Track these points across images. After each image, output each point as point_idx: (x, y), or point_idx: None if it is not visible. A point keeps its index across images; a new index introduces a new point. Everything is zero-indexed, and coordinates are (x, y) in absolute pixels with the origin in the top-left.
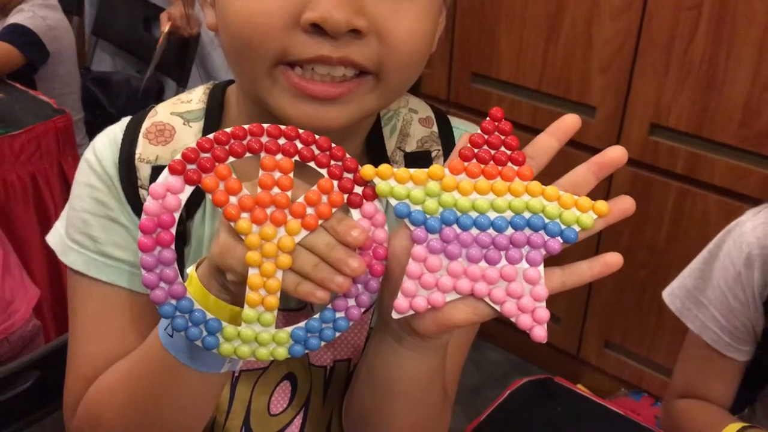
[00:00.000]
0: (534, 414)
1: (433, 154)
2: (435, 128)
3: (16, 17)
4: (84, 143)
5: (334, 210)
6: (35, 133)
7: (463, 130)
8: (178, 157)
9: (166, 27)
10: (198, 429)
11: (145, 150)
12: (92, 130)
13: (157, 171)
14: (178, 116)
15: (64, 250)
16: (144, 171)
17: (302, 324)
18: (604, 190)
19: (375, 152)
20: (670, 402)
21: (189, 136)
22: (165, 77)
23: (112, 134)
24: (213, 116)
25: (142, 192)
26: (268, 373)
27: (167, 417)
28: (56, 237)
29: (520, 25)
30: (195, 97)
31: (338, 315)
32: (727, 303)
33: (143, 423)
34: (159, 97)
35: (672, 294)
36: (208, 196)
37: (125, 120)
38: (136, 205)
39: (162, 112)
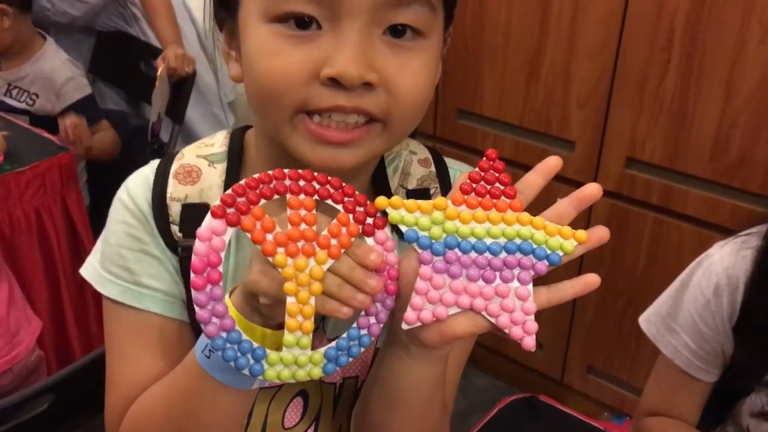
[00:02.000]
0: (520, 429)
1: (432, 191)
2: (433, 168)
3: (81, 88)
4: (83, 174)
5: (352, 239)
6: (40, 170)
7: (458, 169)
8: (218, 202)
9: (161, 69)
10: None
11: (175, 189)
12: (90, 164)
13: (186, 208)
14: (203, 158)
15: (101, 282)
16: (174, 208)
17: (333, 344)
18: (584, 220)
19: (380, 189)
20: (640, 419)
21: (214, 176)
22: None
23: (144, 176)
24: (235, 158)
25: (174, 227)
26: (283, 390)
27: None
28: (90, 270)
29: (502, 65)
30: (217, 141)
31: (362, 332)
32: (698, 329)
33: None
34: (156, 134)
35: (648, 321)
36: (231, 231)
37: (154, 163)
38: (167, 238)
39: (188, 155)
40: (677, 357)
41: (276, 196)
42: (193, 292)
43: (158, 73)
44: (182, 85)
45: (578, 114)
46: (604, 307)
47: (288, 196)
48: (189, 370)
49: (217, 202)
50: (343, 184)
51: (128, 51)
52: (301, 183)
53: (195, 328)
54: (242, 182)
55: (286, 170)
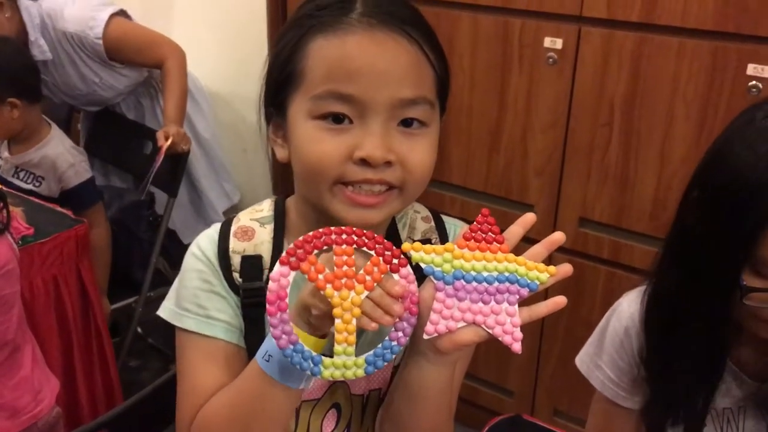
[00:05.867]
0: None
1: (433, 241)
2: (432, 223)
3: (81, 174)
4: None
5: (382, 276)
6: (60, 240)
7: (452, 224)
8: (284, 254)
9: (165, 144)
10: None
11: (235, 245)
12: None
13: (245, 259)
14: (255, 221)
15: (178, 317)
16: (235, 260)
17: (371, 352)
18: None
19: (392, 241)
20: None
21: (264, 234)
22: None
23: (210, 236)
24: (279, 220)
25: (235, 274)
26: (320, 403)
27: (259, 425)
28: (167, 311)
29: (467, 139)
30: (265, 207)
31: (393, 343)
32: (617, 365)
33: (243, 430)
34: (151, 207)
35: (581, 359)
36: (293, 273)
37: (216, 225)
38: (231, 282)
39: (243, 219)
40: (605, 389)
41: (325, 247)
42: (268, 317)
43: (161, 145)
44: (177, 162)
45: (535, 181)
46: (566, 353)
47: (334, 246)
48: (251, 374)
49: (283, 253)
50: (375, 235)
51: (120, 130)
52: (344, 236)
53: (250, 352)
54: (300, 238)
55: (332, 228)
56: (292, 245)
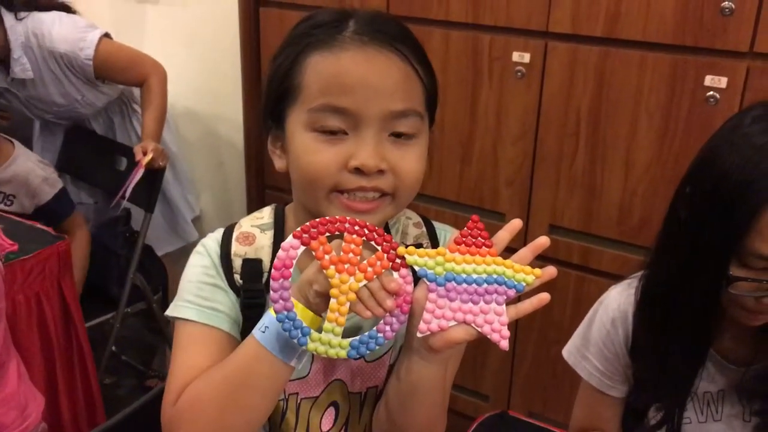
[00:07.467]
0: None
1: (425, 246)
2: (424, 229)
3: (54, 185)
4: None
5: (384, 270)
6: (42, 257)
7: (442, 229)
8: (298, 229)
9: (145, 159)
10: (265, 416)
11: (237, 249)
12: None
13: (246, 262)
14: (256, 227)
15: (180, 309)
16: (237, 263)
17: (357, 337)
18: None
19: None
20: None
21: (265, 239)
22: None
23: (215, 239)
24: (279, 226)
25: (236, 276)
26: (320, 401)
27: (248, 396)
28: (171, 308)
29: (439, 150)
30: (265, 215)
31: (379, 335)
32: (604, 355)
33: (231, 401)
34: (127, 223)
35: (568, 351)
36: (302, 248)
37: (220, 230)
38: (231, 282)
39: (245, 225)
40: (591, 378)
41: (336, 233)
42: (271, 281)
43: (139, 160)
44: (154, 177)
45: (506, 190)
46: (539, 356)
47: (345, 234)
48: (246, 345)
49: (298, 230)
50: (385, 234)
51: (92, 146)
52: (356, 227)
53: None
54: (316, 220)
55: (347, 217)
56: (306, 224)
